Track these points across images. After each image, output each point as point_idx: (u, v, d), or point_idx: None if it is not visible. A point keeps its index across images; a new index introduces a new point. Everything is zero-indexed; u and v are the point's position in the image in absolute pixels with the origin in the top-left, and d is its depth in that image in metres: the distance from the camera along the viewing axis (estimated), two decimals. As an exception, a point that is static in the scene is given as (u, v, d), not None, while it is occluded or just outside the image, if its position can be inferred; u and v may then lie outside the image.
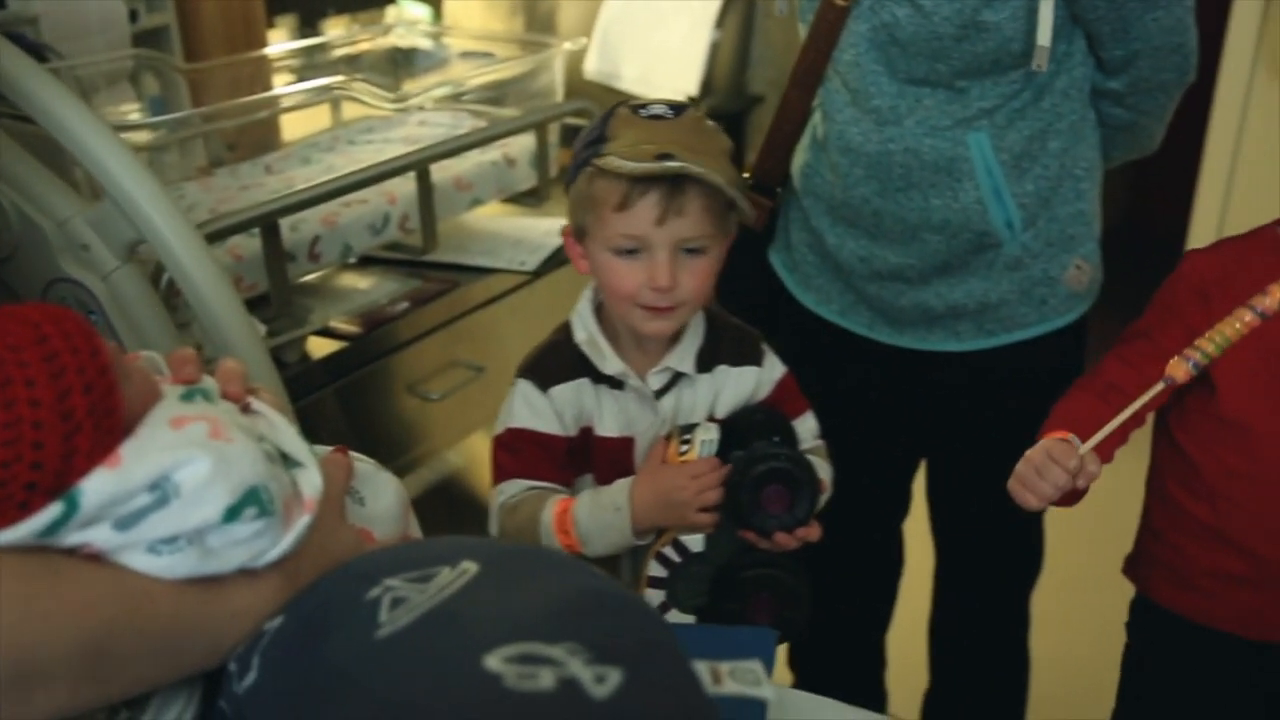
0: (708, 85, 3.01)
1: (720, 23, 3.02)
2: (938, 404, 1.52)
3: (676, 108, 1.15)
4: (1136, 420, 1.17)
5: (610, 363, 1.19)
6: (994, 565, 1.65)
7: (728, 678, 0.78)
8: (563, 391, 1.19)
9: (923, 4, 1.23)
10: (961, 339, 1.43)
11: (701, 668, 0.70)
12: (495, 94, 2.08)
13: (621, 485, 1.17)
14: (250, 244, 1.48)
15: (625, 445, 1.21)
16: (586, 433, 1.21)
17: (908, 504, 1.74)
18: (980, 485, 1.55)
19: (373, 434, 1.62)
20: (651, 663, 0.63)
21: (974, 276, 1.39)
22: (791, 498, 1.13)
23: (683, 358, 1.21)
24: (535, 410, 1.19)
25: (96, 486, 0.70)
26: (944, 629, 1.76)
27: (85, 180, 1.35)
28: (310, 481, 0.82)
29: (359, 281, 1.71)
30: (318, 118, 2.14)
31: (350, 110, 2.07)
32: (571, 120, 1.99)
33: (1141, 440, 1.28)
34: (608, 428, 1.21)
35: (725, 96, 2.98)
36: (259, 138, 2.07)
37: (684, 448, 1.16)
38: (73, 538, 0.71)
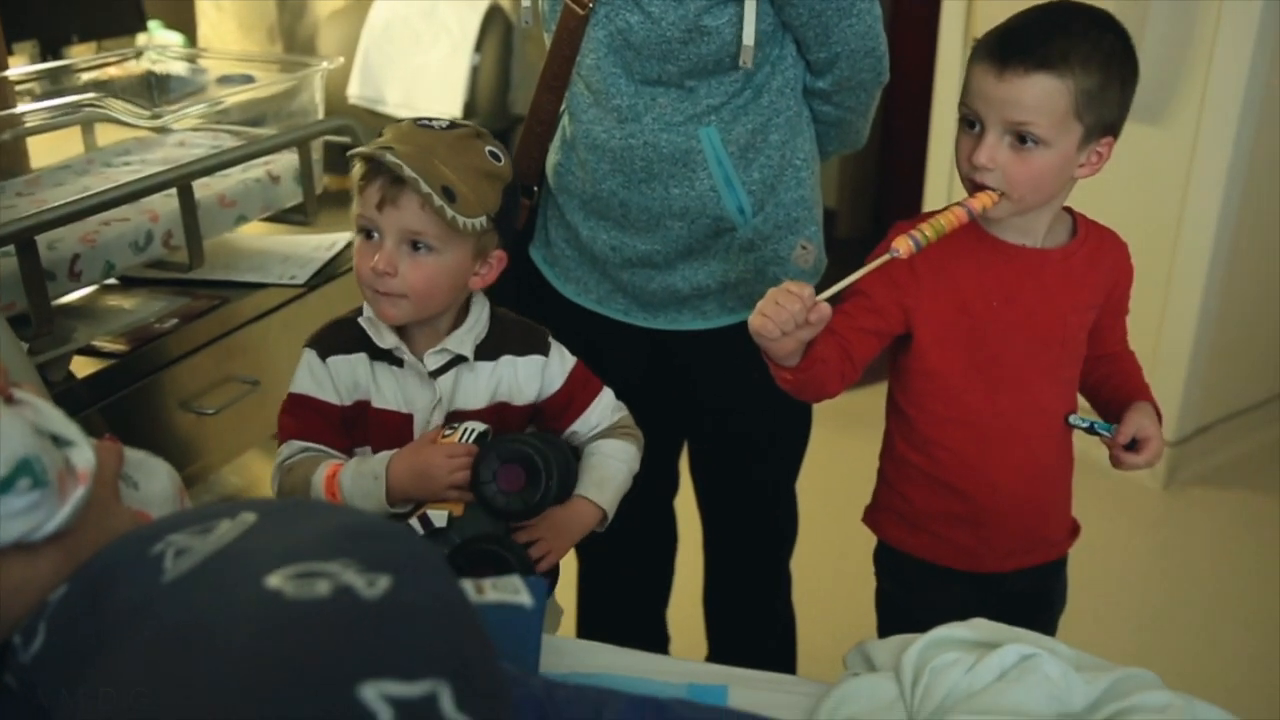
0: (470, 107, 3.10)
1: (479, 46, 3.11)
2: (692, 383, 1.64)
3: (454, 124, 1.26)
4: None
5: (385, 338, 1.27)
6: (755, 533, 1.79)
7: (490, 589, 0.86)
8: (339, 362, 1.29)
9: (651, 11, 1.35)
10: (708, 317, 1.56)
11: (466, 584, 0.78)
12: (255, 115, 2.09)
13: (383, 456, 1.25)
14: (7, 263, 1.46)
15: (404, 421, 1.30)
16: (363, 405, 1.29)
17: (676, 482, 1.87)
18: (735, 457, 1.70)
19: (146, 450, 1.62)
20: (417, 571, 0.70)
21: (714, 259, 1.51)
22: (527, 480, 1.22)
23: (461, 342, 1.29)
24: (314, 377, 1.29)
25: None
26: (716, 596, 1.88)
27: None
28: (83, 456, 0.85)
29: (124, 301, 1.70)
30: (68, 143, 2.09)
31: (105, 135, 2.04)
32: (333, 138, 2.04)
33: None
34: (385, 401, 1.29)
35: (488, 117, 3.06)
36: (8, 163, 2.02)
37: (447, 432, 1.25)
38: None
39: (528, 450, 1.22)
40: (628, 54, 1.40)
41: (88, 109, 1.76)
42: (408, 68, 3.14)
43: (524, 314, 1.49)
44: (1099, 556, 2.37)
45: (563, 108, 1.53)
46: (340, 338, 1.30)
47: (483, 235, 1.25)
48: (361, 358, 1.29)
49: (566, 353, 1.36)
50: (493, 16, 3.13)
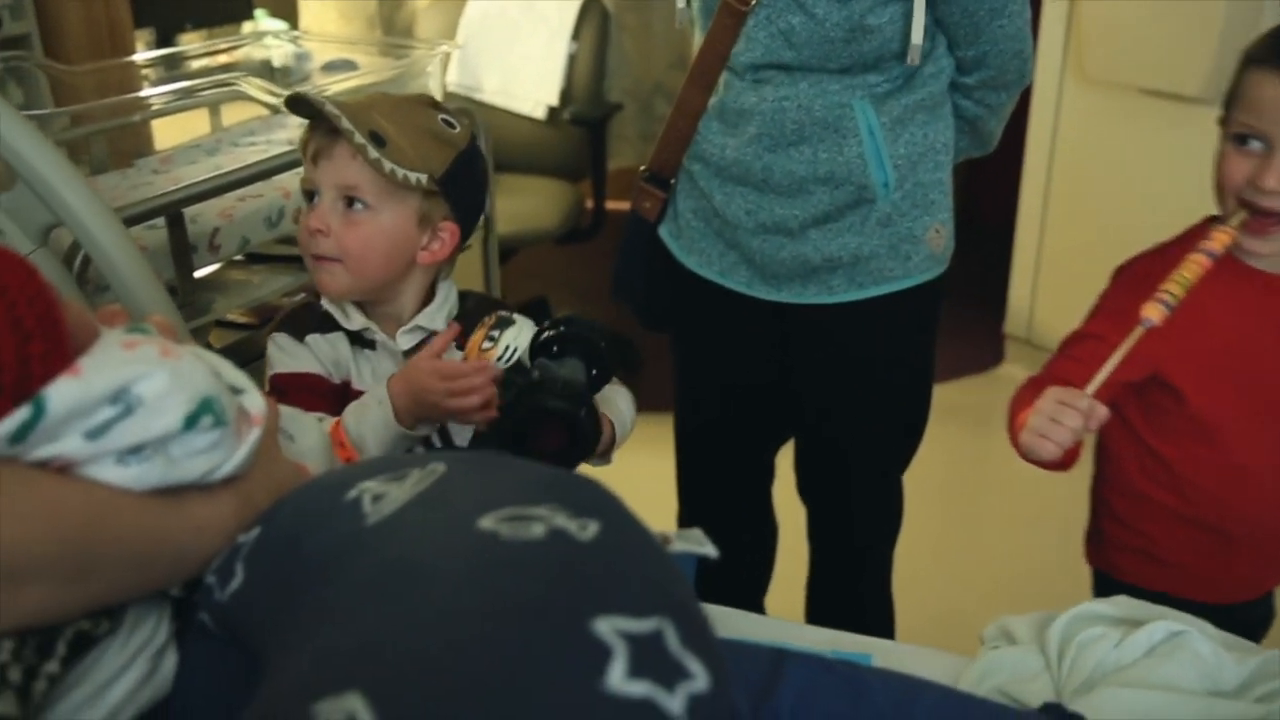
0: (567, 95, 3.12)
1: (576, 35, 3.13)
2: (810, 359, 1.64)
3: (415, 96, 1.25)
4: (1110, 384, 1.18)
5: (352, 320, 1.24)
6: (861, 523, 1.79)
7: (676, 540, 0.88)
8: (318, 340, 1.25)
9: (815, 12, 1.36)
10: (834, 291, 1.55)
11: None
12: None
13: (380, 380, 1.20)
14: (152, 236, 1.51)
15: None
16: (346, 385, 1.26)
17: (773, 472, 1.89)
18: (846, 441, 1.70)
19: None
20: (619, 517, 0.71)
21: (849, 231, 1.51)
22: (569, 441, 1.11)
23: (433, 318, 1.26)
24: (292, 355, 1.24)
25: (60, 391, 0.75)
26: (820, 583, 1.89)
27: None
28: (254, 401, 0.88)
29: (252, 275, 1.75)
30: (190, 125, 2.16)
31: (229, 116, 2.10)
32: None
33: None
34: (364, 383, 1.25)
35: (585, 105, 3.09)
36: (133, 145, 2.08)
37: (487, 344, 1.17)
38: (44, 450, 0.75)
39: (570, 410, 1.10)
40: (788, 53, 1.42)
41: (228, 88, 1.80)
42: (506, 57, 3.17)
43: (651, 293, 1.51)
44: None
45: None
46: (310, 319, 1.26)
47: (427, 198, 1.20)
48: (340, 336, 1.26)
49: (529, 322, 1.26)
50: (590, 7, 3.15)
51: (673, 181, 1.63)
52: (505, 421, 1.12)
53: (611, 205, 3.01)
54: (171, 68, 2.17)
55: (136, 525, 0.79)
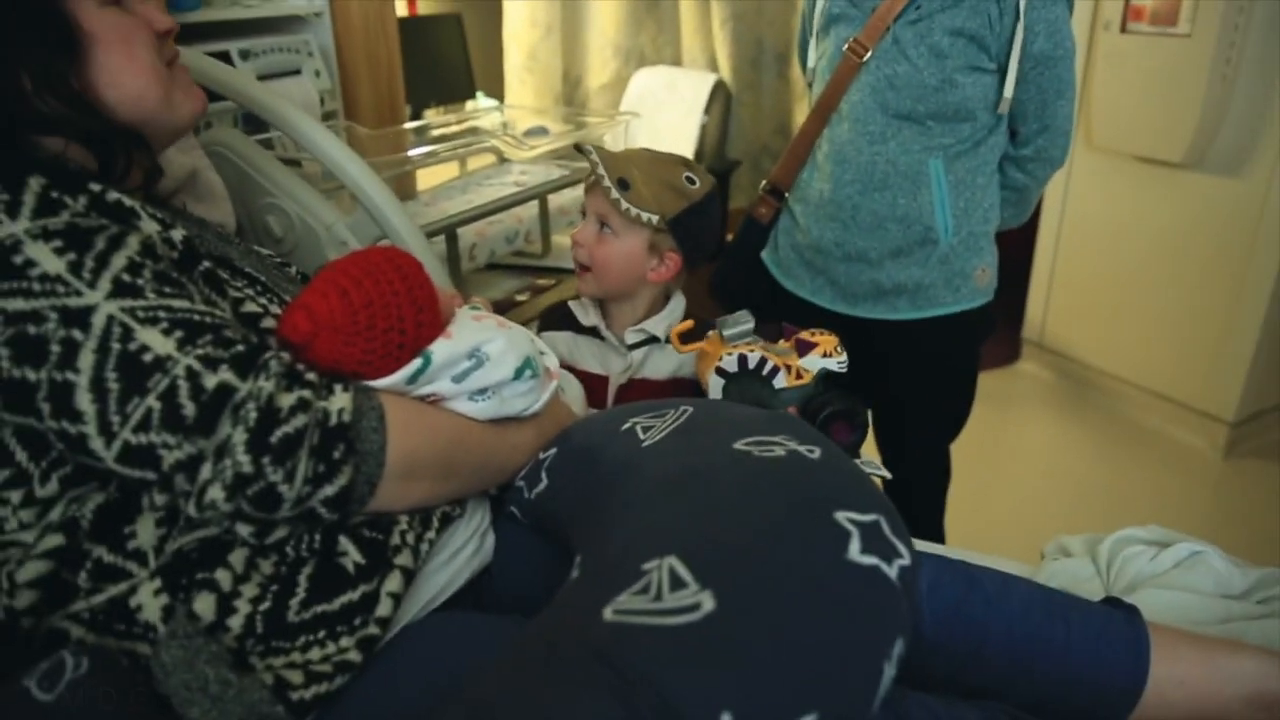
0: (698, 154, 3.15)
1: (707, 109, 3.15)
2: (878, 359, 1.63)
3: (672, 155, 1.22)
4: None
5: (589, 316, 1.25)
6: (917, 481, 1.77)
7: (862, 466, 0.91)
8: (551, 336, 1.28)
9: (917, 64, 1.37)
10: (898, 311, 1.55)
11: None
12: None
13: (604, 364, 1.22)
14: (433, 247, 1.58)
15: (600, 381, 1.25)
16: (567, 369, 1.23)
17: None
18: (909, 417, 1.70)
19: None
20: (831, 447, 0.74)
21: (915, 264, 1.51)
22: (851, 429, 1.14)
23: (656, 325, 1.24)
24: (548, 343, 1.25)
25: (440, 349, 0.81)
26: None
27: (340, 198, 1.46)
28: (552, 361, 0.94)
29: (496, 278, 1.82)
30: (437, 173, 2.24)
31: (470, 165, 2.18)
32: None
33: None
34: (587, 364, 1.25)
35: (712, 162, 3.11)
36: (401, 187, 2.17)
37: (729, 351, 1.13)
38: (426, 389, 0.81)
39: (854, 408, 1.12)
40: (888, 94, 1.42)
41: (494, 141, 1.86)
42: (654, 125, 3.21)
43: (744, 300, 1.52)
44: (1158, 518, 2.30)
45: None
46: (552, 318, 1.29)
47: (656, 233, 1.18)
48: (566, 334, 1.27)
49: None
50: (717, 88, 3.17)
51: (786, 195, 1.63)
52: (807, 413, 1.11)
53: (730, 236, 3.03)
54: (423, 132, 2.26)
55: (481, 443, 0.85)
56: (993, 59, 1.38)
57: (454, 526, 0.86)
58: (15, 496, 0.74)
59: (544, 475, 0.87)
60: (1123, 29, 2.59)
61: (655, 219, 1.16)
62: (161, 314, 0.71)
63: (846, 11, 1.46)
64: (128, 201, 0.78)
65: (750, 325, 1.14)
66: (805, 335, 1.16)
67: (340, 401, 0.74)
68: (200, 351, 0.70)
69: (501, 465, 0.88)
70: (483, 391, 0.84)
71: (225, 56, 1.88)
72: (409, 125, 2.30)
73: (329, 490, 0.73)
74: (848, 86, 1.46)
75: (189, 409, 0.69)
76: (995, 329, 1.64)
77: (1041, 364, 3.05)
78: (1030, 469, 2.56)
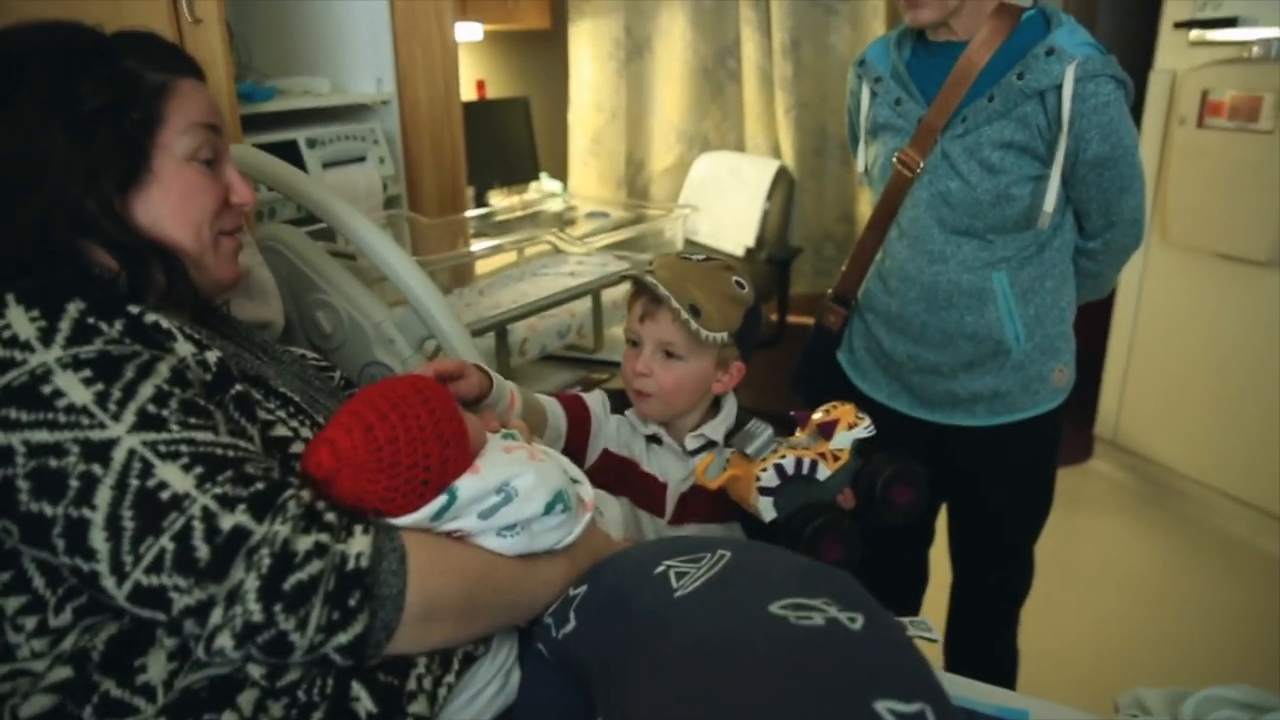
0: (760, 240, 3.12)
1: (769, 195, 3.14)
2: (956, 462, 1.56)
3: (709, 258, 1.17)
4: None
5: (646, 427, 1.20)
6: (997, 584, 1.68)
7: (909, 626, 0.84)
8: (622, 421, 1.22)
9: (970, 180, 1.32)
10: (976, 416, 1.49)
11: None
12: (634, 243, 2.18)
13: (663, 469, 1.17)
14: (482, 342, 1.56)
15: (660, 487, 1.20)
16: (632, 465, 1.20)
17: (932, 535, 1.79)
18: (987, 522, 1.61)
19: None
20: (876, 611, 0.68)
21: (989, 373, 1.45)
22: (911, 488, 1.07)
23: (715, 429, 1.20)
24: (602, 407, 1.21)
25: (466, 485, 0.78)
26: (957, 632, 1.77)
27: (380, 290, 1.45)
28: (587, 491, 0.89)
29: (548, 370, 1.79)
30: (503, 257, 2.24)
31: (529, 250, 2.17)
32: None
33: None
34: (650, 468, 1.20)
35: (774, 248, 3.08)
36: (460, 274, 2.17)
37: (763, 466, 1.07)
38: (450, 525, 0.78)
39: (916, 468, 1.06)
40: (944, 210, 1.37)
41: (547, 238, 1.86)
42: (716, 209, 3.20)
43: (824, 399, 1.46)
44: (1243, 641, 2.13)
45: (881, 244, 1.51)
46: (623, 406, 1.23)
47: (724, 348, 1.15)
48: (627, 426, 1.23)
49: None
50: (780, 174, 3.15)
51: (853, 303, 1.58)
52: (863, 486, 1.06)
53: (792, 320, 2.98)
54: (486, 218, 2.27)
55: (509, 581, 0.80)
56: (1049, 165, 1.31)
57: (476, 666, 0.81)
58: (30, 623, 0.73)
59: (572, 616, 0.81)
60: (1199, 124, 2.51)
61: (725, 336, 1.13)
62: (184, 448, 0.70)
63: (892, 121, 1.42)
64: (165, 323, 0.78)
65: (770, 432, 1.09)
66: (820, 417, 1.11)
67: (359, 545, 0.71)
68: (219, 490, 0.69)
69: (530, 603, 0.84)
70: (511, 527, 0.79)
71: (293, 145, 1.92)
72: (471, 214, 2.32)
73: (343, 638, 0.70)
74: (903, 199, 1.42)
75: (202, 551, 0.67)
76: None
77: (1115, 463, 2.90)
78: (1103, 578, 2.41)
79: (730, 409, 1.25)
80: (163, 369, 0.74)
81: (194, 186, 0.88)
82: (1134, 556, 2.52)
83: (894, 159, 1.40)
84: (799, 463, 1.07)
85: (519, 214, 2.41)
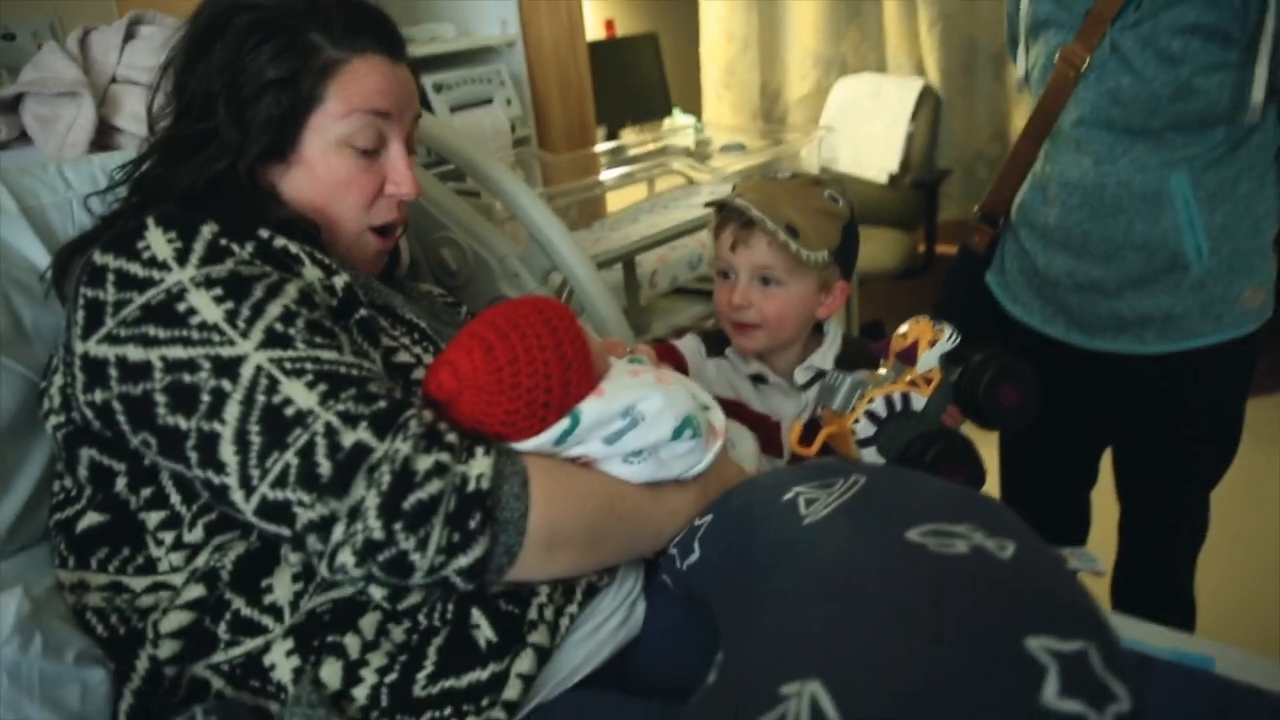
0: (905, 164, 2.94)
1: (914, 117, 2.95)
2: (1122, 396, 1.40)
3: (795, 174, 1.10)
4: None
5: (750, 366, 1.13)
6: (1171, 530, 1.51)
7: (1072, 558, 0.75)
8: (723, 366, 1.15)
9: (1144, 74, 1.16)
10: (1145, 343, 1.32)
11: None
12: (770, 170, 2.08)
13: (775, 408, 1.10)
14: (611, 275, 1.53)
15: (772, 427, 1.13)
16: (738, 405, 1.13)
17: (1095, 477, 1.63)
18: (1159, 463, 1.44)
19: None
20: (1029, 538, 0.60)
21: (1162, 292, 1.28)
22: (1021, 388, 0.96)
23: (824, 359, 1.13)
24: (692, 355, 1.15)
25: (590, 408, 0.74)
26: (1126, 579, 1.62)
27: (512, 230, 1.44)
28: (718, 418, 0.84)
29: (679, 303, 1.75)
30: (632, 194, 2.20)
31: (659, 185, 2.12)
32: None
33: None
34: (757, 407, 1.14)
35: (920, 172, 2.90)
36: (591, 209, 2.15)
37: (854, 417, 0.99)
38: (575, 450, 0.75)
39: (1015, 363, 0.96)
40: (1113, 110, 1.21)
41: (663, 166, 1.80)
42: (857, 135, 3.04)
43: (973, 329, 1.35)
44: None
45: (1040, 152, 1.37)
46: (722, 345, 1.15)
47: (824, 269, 1.07)
48: (728, 368, 1.15)
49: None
50: (925, 94, 2.96)
51: (1001, 222, 1.44)
52: (964, 398, 0.97)
53: (940, 249, 2.81)
54: (617, 154, 2.22)
55: (635, 509, 0.77)
56: (1244, 50, 1.13)
57: (600, 597, 0.79)
58: (168, 538, 0.75)
59: (697, 545, 0.77)
60: None
61: (825, 255, 1.06)
62: (308, 365, 0.70)
63: (1054, 16, 1.26)
64: (294, 248, 0.79)
65: (849, 380, 1.01)
66: (898, 343, 1.01)
67: (480, 466, 0.69)
68: (341, 407, 0.68)
69: (657, 532, 0.80)
70: (638, 453, 0.76)
71: (420, 91, 1.92)
72: (600, 148, 2.28)
73: (463, 560, 0.68)
74: (1065, 102, 1.26)
75: (325, 467, 0.67)
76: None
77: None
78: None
79: (835, 335, 1.18)
80: (291, 290, 0.74)
81: (340, 175, 0.86)
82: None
83: (1055, 58, 1.25)
84: (890, 401, 0.99)
85: (650, 148, 2.35)
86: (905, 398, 0.99)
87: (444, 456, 0.68)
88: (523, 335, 0.73)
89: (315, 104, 0.84)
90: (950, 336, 1.00)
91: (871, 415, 0.99)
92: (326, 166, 0.86)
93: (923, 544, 0.58)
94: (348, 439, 0.67)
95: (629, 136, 3.01)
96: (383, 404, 0.69)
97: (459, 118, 1.91)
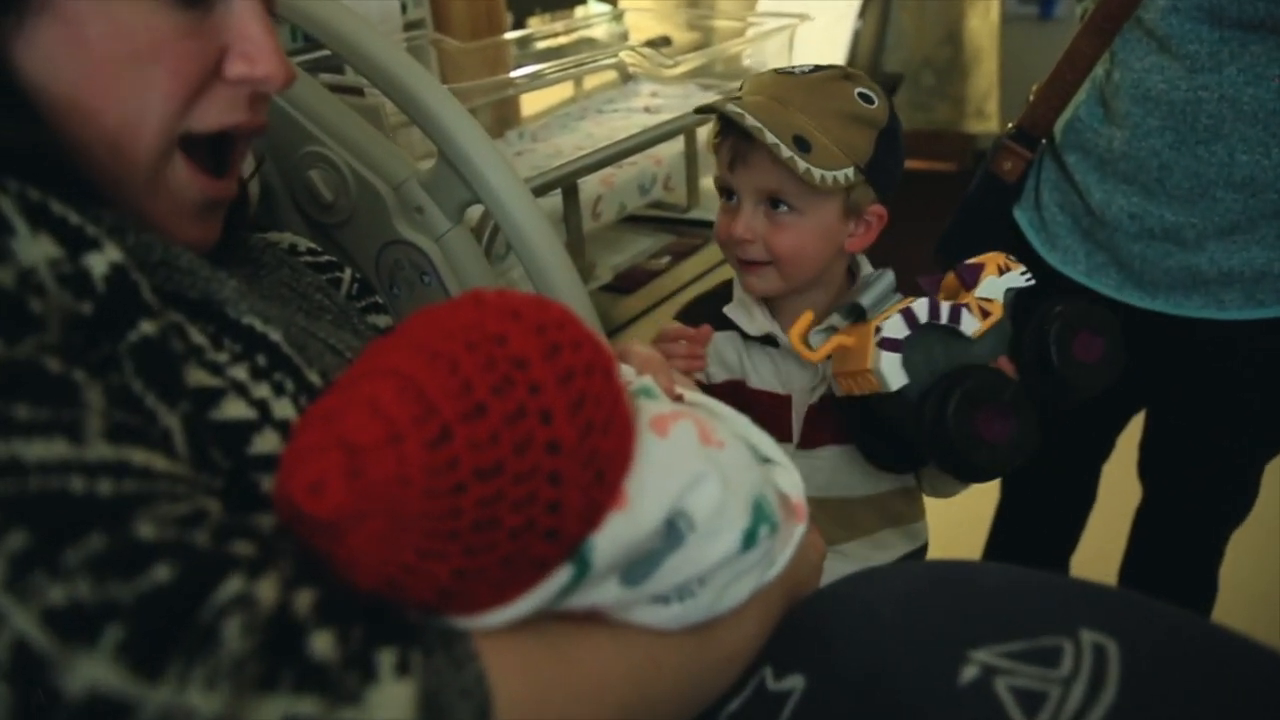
0: (850, 65, 2.61)
1: (861, 13, 2.60)
2: (1172, 362, 1.13)
3: (818, 68, 0.84)
4: None
5: (757, 321, 0.88)
6: (1205, 510, 1.26)
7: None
8: (719, 339, 0.90)
9: None
10: (1224, 307, 1.03)
11: None
12: (728, 70, 1.71)
13: (783, 380, 0.89)
14: (547, 204, 1.15)
15: (781, 402, 0.89)
16: (737, 384, 0.90)
17: (1110, 449, 1.37)
18: (1207, 440, 1.16)
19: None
20: None
21: (1258, 244, 1.00)
22: (1103, 341, 0.81)
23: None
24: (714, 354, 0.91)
25: (610, 536, 0.38)
26: (1140, 564, 1.38)
27: (408, 143, 1.04)
28: (792, 481, 0.49)
29: (627, 236, 1.38)
30: (552, 95, 1.80)
31: (587, 83, 1.72)
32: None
33: None
34: (762, 381, 0.90)
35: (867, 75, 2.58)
36: (504, 114, 1.74)
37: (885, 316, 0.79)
38: (575, 602, 0.40)
39: (1097, 309, 0.82)
40: None
41: (624, 57, 1.39)
42: (797, 30, 2.67)
43: None
44: None
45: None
46: (710, 314, 0.90)
47: (854, 188, 0.82)
48: (733, 335, 0.90)
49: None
50: (874, -15, 2.60)
51: (1042, 143, 1.13)
52: (1030, 345, 0.80)
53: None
54: (524, 46, 1.82)
55: (674, 679, 0.42)
56: None
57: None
58: None
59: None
60: None
61: (850, 174, 0.80)
62: None
63: None
64: (34, 195, 0.40)
65: (891, 277, 0.82)
66: (958, 274, 0.83)
67: (391, 701, 0.33)
68: (55, 595, 0.30)
69: (702, 698, 0.46)
70: (681, 587, 0.40)
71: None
72: (511, 35, 1.86)
73: None
74: None
75: None
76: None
77: None
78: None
79: (877, 277, 0.87)
80: None
81: (140, 37, 0.47)
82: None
83: None
84: (934, 307, 0.78)
85: (563, 40, 1.94)
86: (956, 310, 0.79)
87: (307, 702, 0.32)
88: (505, 379, 0.35)
89: None
90: (1024, 273, 0.82)
91: (908, 315, 0.77)
92: (109, 20, 0.46)
93: None
94: (70, 679, 0.29)
95: (540, 26, 2.59)
96: (164, 572, 0.32)
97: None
